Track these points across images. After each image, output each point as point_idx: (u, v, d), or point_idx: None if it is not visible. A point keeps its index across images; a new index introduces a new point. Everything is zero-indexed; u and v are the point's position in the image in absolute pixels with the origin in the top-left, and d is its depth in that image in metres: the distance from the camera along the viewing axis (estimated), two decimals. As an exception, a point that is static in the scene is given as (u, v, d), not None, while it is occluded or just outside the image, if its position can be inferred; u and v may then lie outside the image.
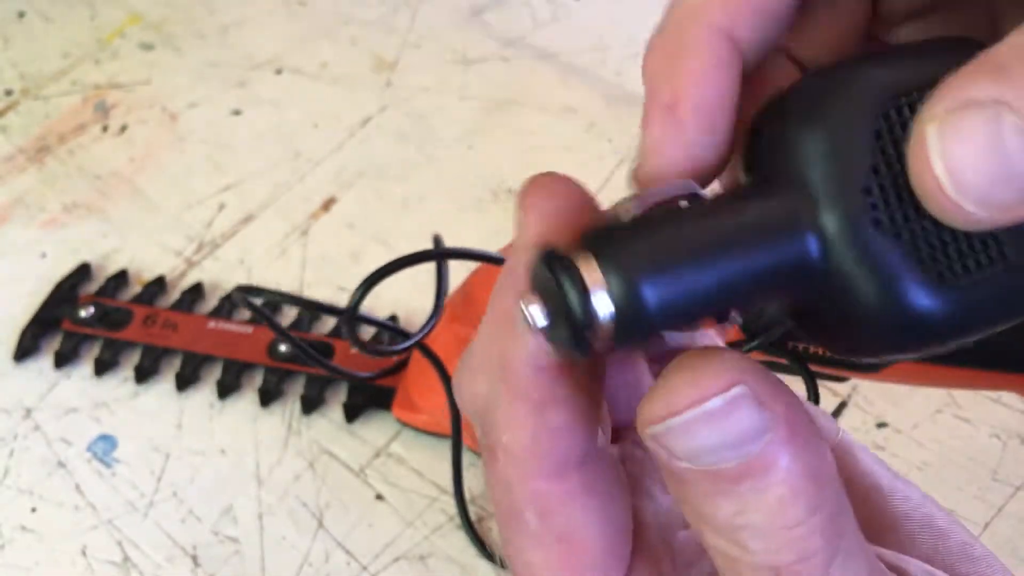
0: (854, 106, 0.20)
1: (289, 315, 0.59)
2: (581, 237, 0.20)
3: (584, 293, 0.19)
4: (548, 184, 0.22)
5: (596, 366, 0.23)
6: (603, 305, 0.19)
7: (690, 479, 0.19)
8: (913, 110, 0.20)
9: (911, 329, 0.20)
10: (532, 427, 0.21)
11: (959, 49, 0.20)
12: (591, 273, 0.19)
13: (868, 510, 0.26)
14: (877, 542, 0.24)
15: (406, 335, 0.45)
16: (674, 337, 0.21)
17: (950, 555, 0.25)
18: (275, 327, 0.46)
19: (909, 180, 0.19)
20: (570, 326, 0.20)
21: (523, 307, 0.20)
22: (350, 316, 0.40)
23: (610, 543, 0.22)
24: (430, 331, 0.44)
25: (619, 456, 0.26)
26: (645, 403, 0.19)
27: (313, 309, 0.44)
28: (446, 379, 0.48)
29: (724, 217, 0.20)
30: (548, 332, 0.20)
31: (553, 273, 0.20)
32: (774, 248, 0.20)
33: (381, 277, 0.40)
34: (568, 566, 0.22)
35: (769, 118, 0.22)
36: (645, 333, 0.20)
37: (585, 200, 0.22)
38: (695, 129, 0.22)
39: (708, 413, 0.18)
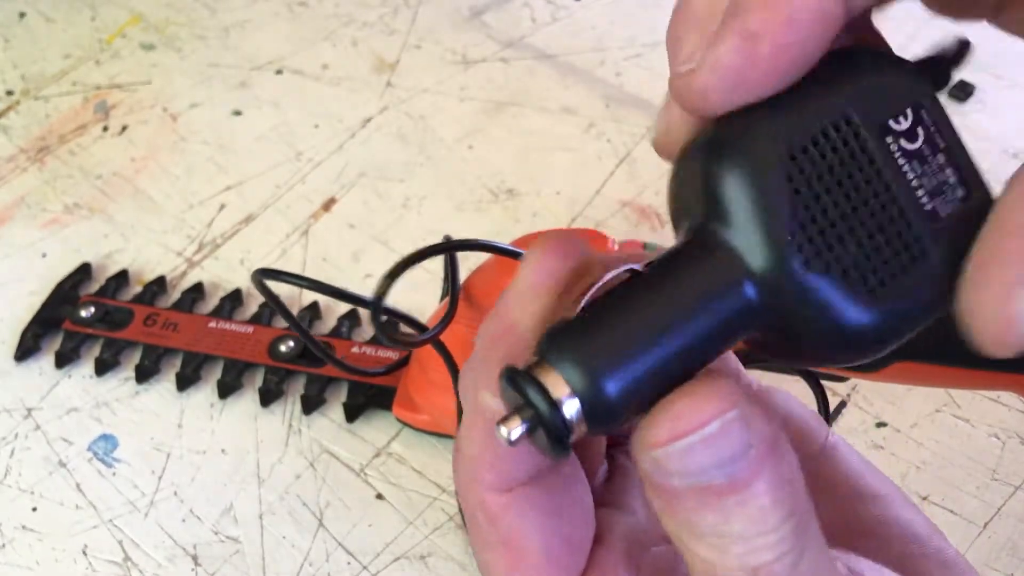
0: (763, 157, 0.21)
1: (289, 315, 0.59)
2: (538, 346, 0.21)
3: (553, 406, 0.21)
4: (553, 243, 0.23)
5: None
6: (572, 410, 0.21)
7: (680, 494, 0.20)
8: (818, 146, 0.21)
9: (858, 342, 0.22)
10: (482, 443, 0.23)
11: (852, 69, 0.21)
12: (555, 385, 0.21)
13: (846, 514, 0.27)
14: (850, 546, 0.25)
15: (424, 328, 0.46)
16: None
17: (925, 559, 0.26)
18: (286, 314, 0.47)
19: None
20: (547, 433, 0.21)
21: (500, 428, 0.21)
22: (376, 307, 0.41)
23: (556, 554, 0.24)
24: (447, 326, 0.45)
25: (606, 469, 0.27)
26: (647, 429, 0.20)
27: (338, 297, 0.45)
28: (456, 375, 0.48)
29: (663, 293, 0.21)
30: (528, 440, 0.21)
31: (521, 391, 0.21)
32: (717, 311, 0.21)
33: (405, 268, 0.41)
34: (513, 569, 0.23)
35: (687, 170, 0.22)
36: (617, 420, 0.21)
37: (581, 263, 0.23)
38: (773, 71, 0.21)
39: (706, 436, 0.20)
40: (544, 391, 0.21)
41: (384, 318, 0.43)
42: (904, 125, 0.22)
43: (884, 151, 0.22)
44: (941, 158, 0.22)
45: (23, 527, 0.52)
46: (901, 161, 0.22)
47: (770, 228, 0.21)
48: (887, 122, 0.22)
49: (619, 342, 0.21)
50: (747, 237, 0.21)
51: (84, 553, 0.51)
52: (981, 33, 0.35)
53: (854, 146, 0.21)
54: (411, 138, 0.68)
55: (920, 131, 0.22)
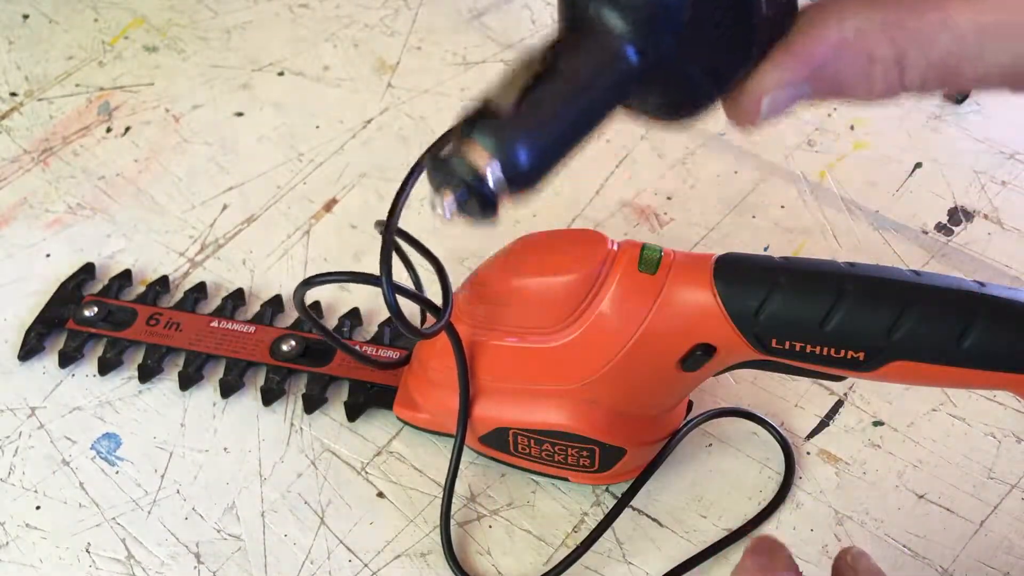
0: None
1: (290, 316, 0.59)
2: (460, 127, 0.26)
3: (479, 175, 0.26)
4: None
5: None
6: (495, 175, 0.26)
7: None
8: None
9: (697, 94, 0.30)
10: None
11: None
12: (478, 157, 0.26)
13: None
14: None
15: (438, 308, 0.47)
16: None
17: None
18: (323, 330, 0.48)
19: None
20: (477, 200, 0.26)
21: (436, 204, 0.27)
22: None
23: None
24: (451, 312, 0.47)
25: None
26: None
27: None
28: (463, 363, 0.48)
29: (561, 71, 0.27)
30: (462, 211, 0.27)
31: (448, 168, 0.26)
32: (607, 79, 0.27)
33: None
34: None
35: None
36: (534, 180, 0.26)
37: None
38: None
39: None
40: (469, 163, 0.26)
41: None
42: None
43: None
44: None
45: (27, 525, 0.52)
46: None
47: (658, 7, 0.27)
48: None
49: (528, 117, 0.26)
50: (633, 12, 0.27)
51: (87, 551, 0.51)
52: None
53: None
54: (412, 139, 0.68)
55: None
